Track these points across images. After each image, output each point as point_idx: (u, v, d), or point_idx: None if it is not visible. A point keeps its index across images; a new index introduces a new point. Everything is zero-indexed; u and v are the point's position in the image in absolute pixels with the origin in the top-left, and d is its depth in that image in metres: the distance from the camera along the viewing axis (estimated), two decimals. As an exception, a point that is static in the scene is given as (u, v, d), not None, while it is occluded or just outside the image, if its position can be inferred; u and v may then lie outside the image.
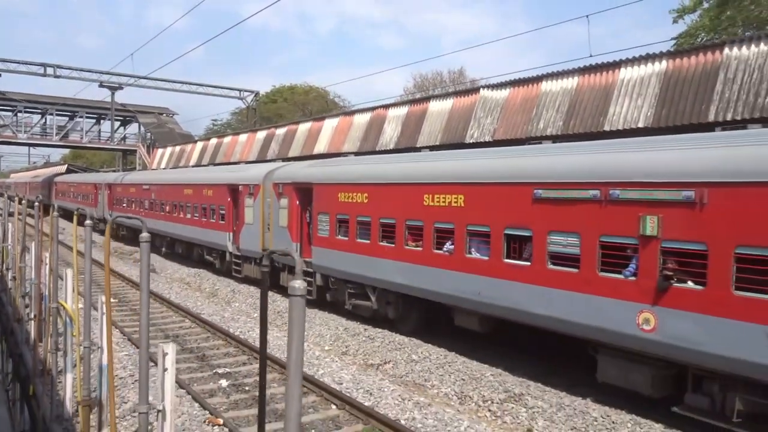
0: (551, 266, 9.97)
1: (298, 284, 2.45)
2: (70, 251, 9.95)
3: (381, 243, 13.78)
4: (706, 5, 30.39)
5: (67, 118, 59.36)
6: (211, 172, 25.93)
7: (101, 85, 51.57)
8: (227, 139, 39.79)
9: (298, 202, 17.19)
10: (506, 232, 10.80)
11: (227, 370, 11.47)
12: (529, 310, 10.35)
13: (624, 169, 9.01)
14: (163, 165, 49.01)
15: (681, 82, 13.42)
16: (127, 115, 60.35)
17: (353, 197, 14.74)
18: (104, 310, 5.67)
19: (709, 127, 11.05)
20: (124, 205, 33.73)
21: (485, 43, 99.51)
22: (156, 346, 4.87)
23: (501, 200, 10.91)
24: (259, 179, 19.35)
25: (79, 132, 58.43)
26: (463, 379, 10.91)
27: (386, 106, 24.23)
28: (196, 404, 9.55)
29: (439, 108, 20.93)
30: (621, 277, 8.93)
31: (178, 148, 48.05)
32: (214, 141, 42.16)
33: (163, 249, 28.93)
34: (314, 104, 63.65)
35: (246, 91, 55.72)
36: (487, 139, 18.00)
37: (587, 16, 17.32)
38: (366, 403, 9.49)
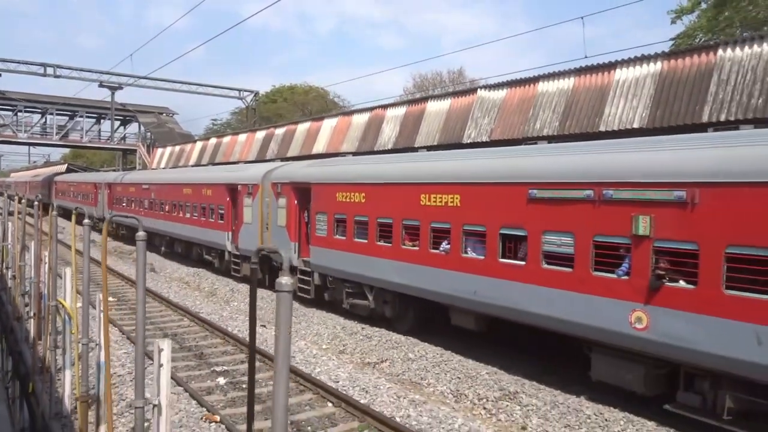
0: (546, 266, 10.06)
1: (285, 280, 2.55)
2: (69, 250, 10.05)
3: (378, 243, 13.88)
4: (704, 6, 30.52)
5: (67, 118, 59.50)
6: (210, 171, 26.03)
7: (101, 85, 51.71)
8: (226, 139, 39.89)
9: (296, 202, 17.29)
10: (502, 231, 10.90)
11: (225, 368, 11.57)
12: (524, 309, 10.45)
13: (617, 169, 9.11)
14: (162, 164, 49.12)
15: (676, 83, 13.52)
16: (127, 115, 60.46)
17: (351, 197, 14.84)
18: (102, 308, 5.76)
19: (703, 127, 11.14)
20: (124, 204, 33.83)
21: (485, 43, 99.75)
22: (152, 342, 4.96)
23: (496, 200, 11.01)
24: (257, 179, 19.45)
25: (79, 131, 58.55)
26: (459, 378, 11.01)
27: (384, 107, 24.34)
28: (194, 401, 9.65)
29: (437, 108, 21.03)
30: (614, 276, 9.03)
31: (177, 147, 48.15)
32: (213, 141, 42.26)
33: (163, 248, 29.03)
34: (314, 104, 63.75)
35: (245, 91, 55.85)
36: (485, 139, 18.10)
37: (582, 18, 17.32)
38: (362, 401, 9.58)
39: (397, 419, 8.89)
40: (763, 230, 7.34)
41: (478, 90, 19.60)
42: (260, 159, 31.57)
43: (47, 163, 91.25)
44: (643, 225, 8.53)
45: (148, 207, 30.04)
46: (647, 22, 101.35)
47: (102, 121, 60.45)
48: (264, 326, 14.53)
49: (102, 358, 5.82)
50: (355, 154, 21.29)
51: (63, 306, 8.35)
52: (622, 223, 8.82)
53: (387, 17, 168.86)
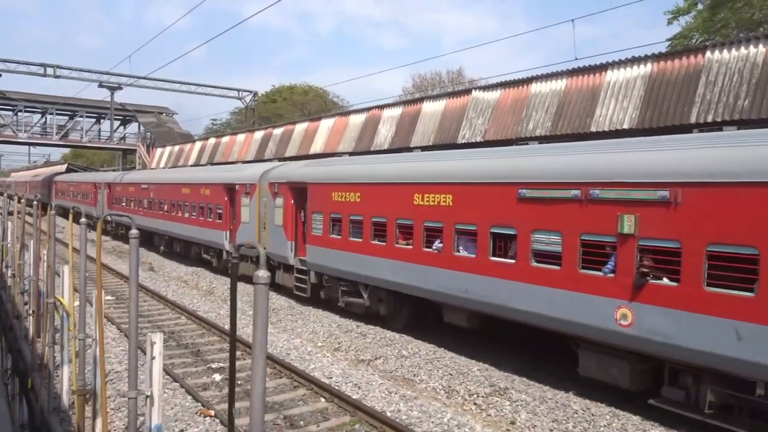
0: (535, 264, 10.26)
1: (262, 273, 2.74)
2: (67, 248, 10.24)
3: (373, 241, 14.07)
4: (700, 7, 30.70)
5: (67, 118, 59.76)
6: (208, 171, 26.22)
7: (101, 86, 51.92)
8: (225, 139, 40.08)
9: (293, 202, 17.49)
10: (492, 230, 11.09)
11: (221, 365, 11.76)
12: (514, 307, 10.64)
13: (603, 169, 9.30)
14: (162, 164, 49.31)
15: (665, 85, 13.72)
16: (126, 115, 60.70)
17: (346, 197, 15.03)
18: (96, 303, 5.96)
19: (690, 128, 11.34)
20: (123, 204, 34.02)
21: (485, 43, 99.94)
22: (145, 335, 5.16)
23: (487, 200, 11.20)
24: (255, 179, 19.65)
25: (79, 131, 58.80)
26: (451, 374, 11.20)
27: (381, 107, 24.53)
28: (189, 397, 9.85)
29: (432, 109, 21.23)
30: (600, 274, 9.22)
31: (177, 147, 48.35)
32: (212, 141, 42.46)
33: (162, 248, 29.23)
34: (313, 104, 63.94)
35: (244, 91, 56.09)
36: (479, 139, 18.30)
37: (572, 21, 17.48)
38: (354, 397, 9.79)
39: (388, 413, 9.09)
40: (742, 229, 7.54)
41: (473, 91, 19.80)
42: (258, 159, 31.76)
43: (47, 163, 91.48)
44: (628, 224, 8.72)
45: (147, 207, 30.24)
46: (647, 22, 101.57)
47: (102, 121, 60.69)
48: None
49: (96, 353, 6.02)
50: (351, 154, 21.49)
51: (61, 303, 8.54)
52: (608, 222, 9.01)
53: (387, 17, 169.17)
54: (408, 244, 13.09)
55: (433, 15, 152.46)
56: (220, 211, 22.21)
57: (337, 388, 10.20)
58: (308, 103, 64.54)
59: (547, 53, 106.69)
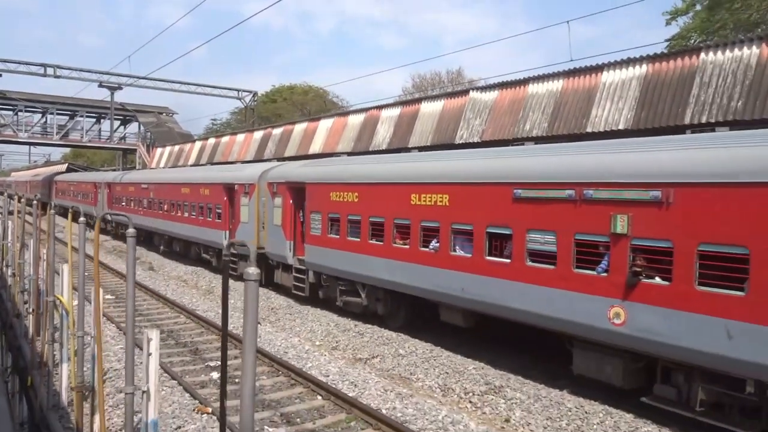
0: (530, 263, 10.35)
1: (252, 270, 2.84)
2: (67, 247, 10.34)
3: (371, 241, 14.17)
4: (698, 7, 30.78)
5: (67, 118, 59.86)
6: (208, 171, 26.31)
7: (101, 86, 52.03)
8: (225, 139, 40.18)
9: (291, 201, 17.60)
10: (488, 230, 11.19)
11: (219, 363, 11.84)
12: (509, 306, 10.74)
13: (597, 169, 9.39)
14: (162, 164, 49.41)
15: (660, 86, 13.82)
16: (126, 115, 60.80)
17: (344, 197, 15.13)
18: (95, 300, 6.07)
19: (684, 129, 11.43)
20: (123, 203, 34.11)
21: (485, 43, 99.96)
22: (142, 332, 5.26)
23: (483, 200, 11.30)
24: (254, 179, 19.75)
25: (80, 131, 58.91)
26: (447, 373, 11.30)
27: (379, 107, 24.63)
28: (187, 394, 9.94)
29: (430, 109, 21.33)
30: (594, 273, 9.32)
31: (177, 147, 48.45)
32: (212, 141, 42.56)
33: (162, 247, 29.33)
34: (312, 104, 64.05)
35: (244, 91, 56.17)
36: (476, 140, 18.40)
37: (568, 22, 17.59)
38: (350, 394, 9.89)
39: (384, 411, 9.19)
40: (732, 229, 7.63)
41: (471, 91, 19.90)
42: (258, 159, 31.85)
43: (48, 163, 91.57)
44: (621, 224, 8.81)
45: (147, 206, 30.34)
46: (647, 22, 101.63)
47: (102, 120, 60.80)
48: (258, 323, 14.81)
49: (95, 350, 6.12)
50: (350, 154, 21.58)
51: (60, 302, 8.65)
52: (601, 221, 9.11)
53: (387, 17, 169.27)
54: (405, 244, 13.19)
55: (433, 15, 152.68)
56: (219, 211, 22.32)
57: (333, 386, 10.30)
58: (308, 103, 64.66)
59: (546, 53, 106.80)
